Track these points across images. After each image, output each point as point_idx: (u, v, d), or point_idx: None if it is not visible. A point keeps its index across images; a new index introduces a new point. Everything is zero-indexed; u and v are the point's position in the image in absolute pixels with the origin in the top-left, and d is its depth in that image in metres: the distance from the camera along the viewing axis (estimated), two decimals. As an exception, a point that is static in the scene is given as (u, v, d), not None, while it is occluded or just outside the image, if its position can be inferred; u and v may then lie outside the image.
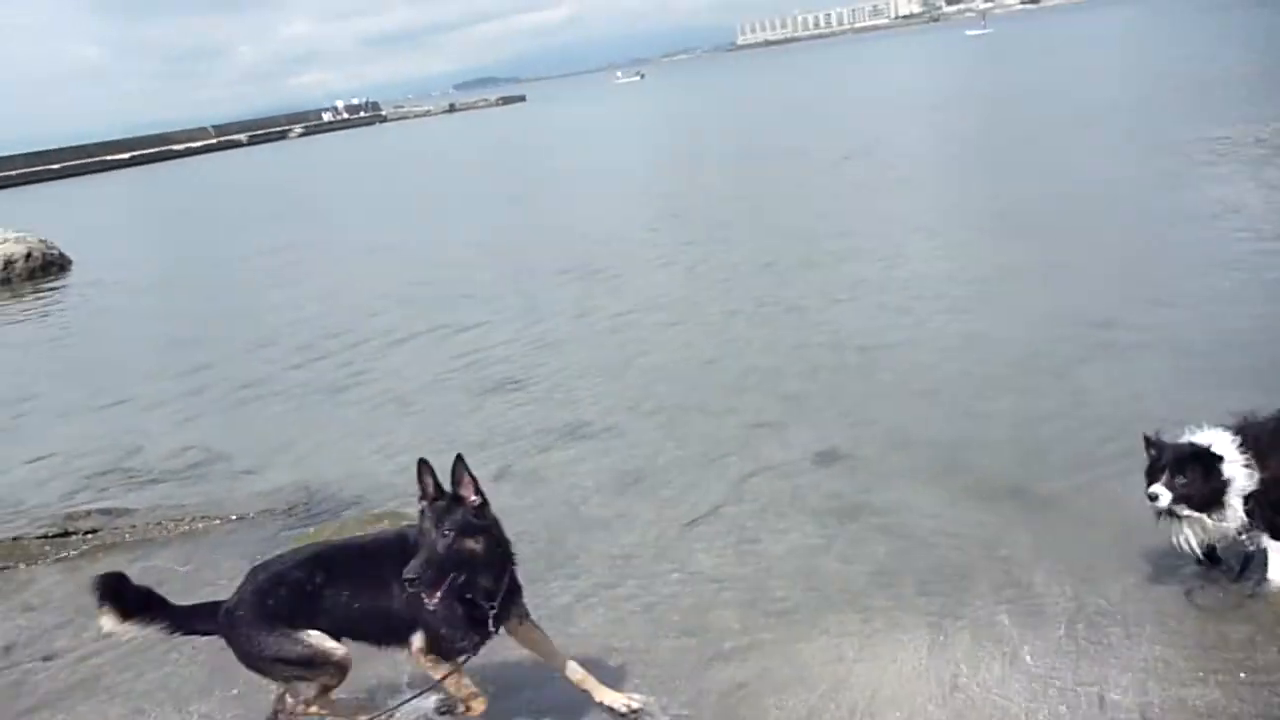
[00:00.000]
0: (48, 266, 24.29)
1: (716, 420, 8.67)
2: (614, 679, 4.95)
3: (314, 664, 4.41)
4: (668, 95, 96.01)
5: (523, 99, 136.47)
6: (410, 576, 3.94)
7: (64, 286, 22.65)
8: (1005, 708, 4.44)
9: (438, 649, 4.41)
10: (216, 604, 4.50)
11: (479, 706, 4.52)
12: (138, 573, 6.86)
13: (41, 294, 21.98)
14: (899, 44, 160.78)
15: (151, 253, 30.35)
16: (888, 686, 4.71)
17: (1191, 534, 4.94)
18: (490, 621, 4.34)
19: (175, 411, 11.33)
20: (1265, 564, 5.05)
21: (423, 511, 4.16)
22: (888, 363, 9.58)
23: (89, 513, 8.18)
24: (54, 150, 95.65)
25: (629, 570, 6.18)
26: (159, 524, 7.88)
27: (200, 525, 7.80)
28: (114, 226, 38.60)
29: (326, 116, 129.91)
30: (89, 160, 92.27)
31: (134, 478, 9.26)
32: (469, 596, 4.24)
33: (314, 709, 4.63)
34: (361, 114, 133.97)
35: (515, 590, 4.50)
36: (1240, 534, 4.96)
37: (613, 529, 6.81)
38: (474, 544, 4.14)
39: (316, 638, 4.40)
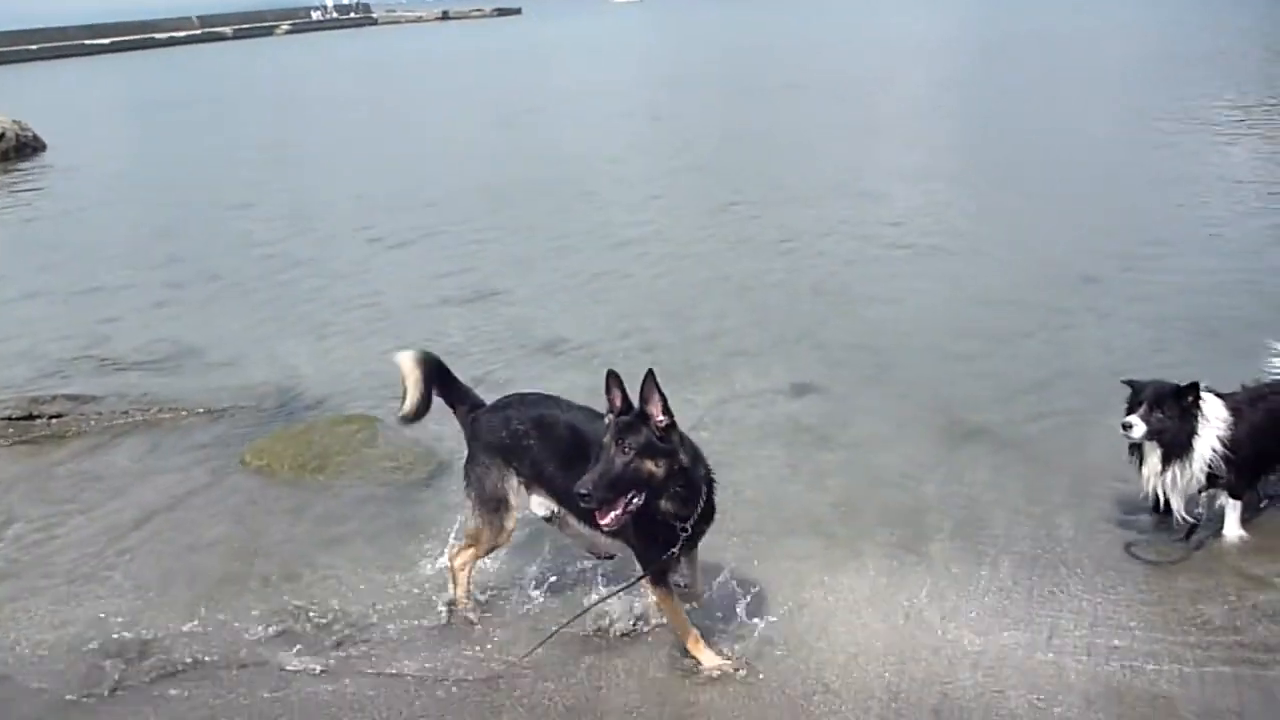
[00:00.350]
0: (21, 148, 23.65)
1: (694, 346, 8.66)
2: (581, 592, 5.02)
3: (493, 511, 4.64)
4: (669, 19, 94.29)
5: (519, 11, 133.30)
6: (583, 492, 3.82)
7: (38, 170, 22.11)
8: (956, 639, 4.52)
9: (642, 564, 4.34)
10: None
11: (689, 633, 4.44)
12: (101, 465, 6.96)
13: (14, 175, 21.48)
14: None
15: (130, 141, 29.67)
16: (843, 612, 4.78)
17: (1159, 476, 5.01)
18: (678, 545, 4.18)
19: (148, 302, 11.16)
20: (1218, 524, 5.18)
21: (607, 425, 3.99)
22: (867, 301, 9.59)
23: (55, 397, 8.08)
24: (32, 30, 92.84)
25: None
26: (125, 413, 7.81)
27: (167, 416, 7.75)
28: (92, 112, 37.65)
29: (315, 15, 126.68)
30: (68, 43, 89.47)
31: (103, 365, 9.13)
32: (659, 518, 4.09)
33: (460, 559, 4.82)
34: (352, 15, 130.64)
35: (709, 514, 4.29)
36: (1204, 489, 5.07)
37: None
38: (654, 466, 3.94)
39: (513, 491, 4.64)
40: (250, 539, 5.83)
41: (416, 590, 5.14)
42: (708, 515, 4.28)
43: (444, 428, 7.04)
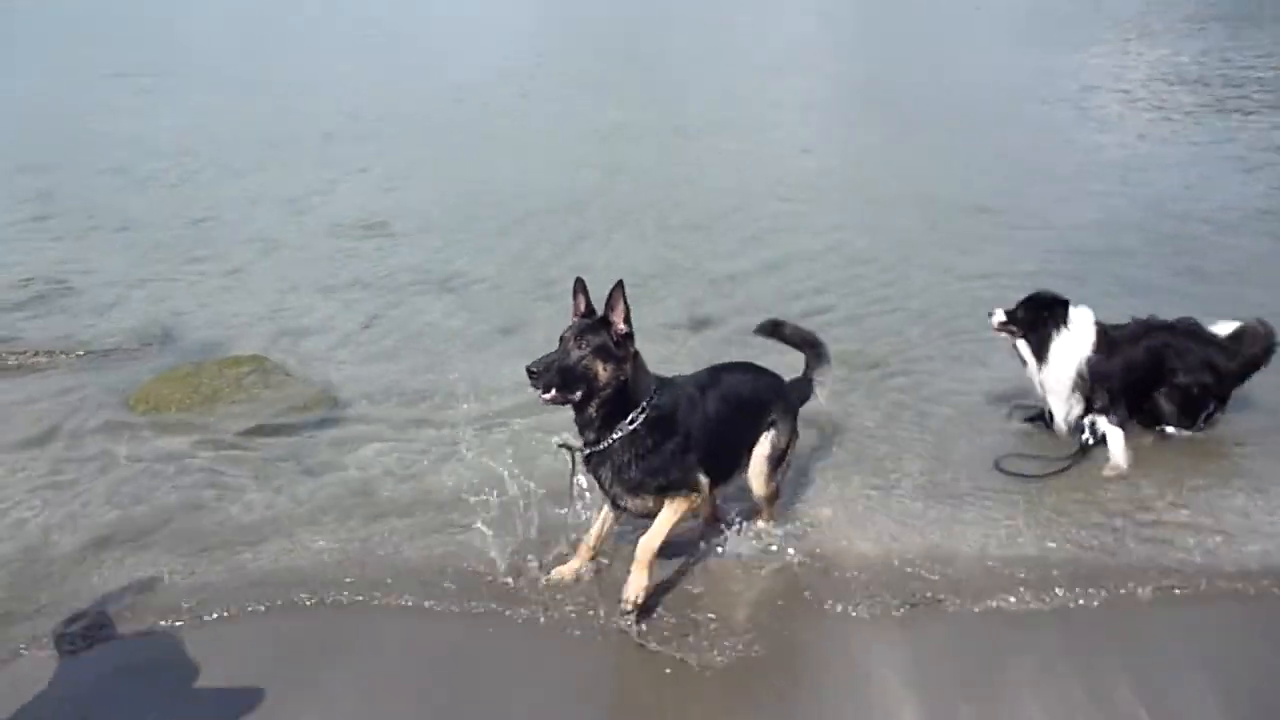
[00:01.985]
0: None
1: (592, 279, 8.61)
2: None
3: None
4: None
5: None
6: (533, 369, 4.01)
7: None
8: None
9: None
10: None
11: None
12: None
13: None
14: None
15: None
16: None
17: (1033, 377, 5.50)
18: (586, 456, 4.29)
19: (16, 238, 10.57)
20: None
21: (571, 324, 4.17)
22: (760, 234, 9.69)
23: (-83, 341, 7.61)
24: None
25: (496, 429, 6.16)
26: (-6, 357, 7.40)
27: (43, 359, 7.38)
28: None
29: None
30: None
31: (-36, 306, 8.62)
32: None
33: None
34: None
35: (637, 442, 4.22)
36: (1078, 409, 5.46)
37: (479, 387, 6.70)
38: (603, 368, 4.08)
39: None
40: (143, 492, 5.59)
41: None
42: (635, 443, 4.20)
43: (343, 371, 6.96)
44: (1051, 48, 18.94)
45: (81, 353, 7.45)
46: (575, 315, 4.22)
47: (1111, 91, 14.76)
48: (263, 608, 4.45)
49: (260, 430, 6.21)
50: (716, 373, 4.68)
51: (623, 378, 4.15)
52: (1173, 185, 10.22)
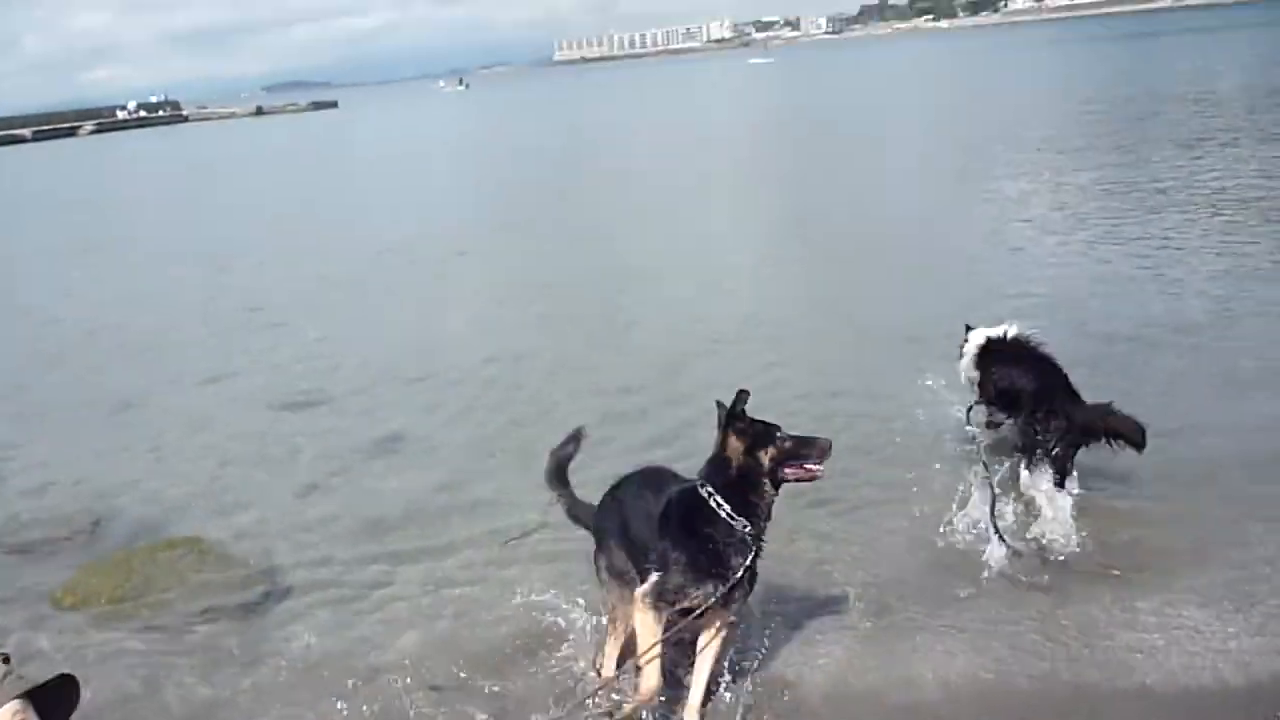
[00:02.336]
0: None
1: (529, 436, 8.58)
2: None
3: None
4: (495, 106, 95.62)
5: (335, 105, 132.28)
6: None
7: None
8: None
9: None
10: None
11: None
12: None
13: None
14: (699, 67, 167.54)
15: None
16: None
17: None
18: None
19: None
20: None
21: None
22: (701, 382, 9.75)
23: None
24: None
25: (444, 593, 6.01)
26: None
27: (-37, 555, 7.05)
28: None
29: (121, 114, 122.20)
30: None
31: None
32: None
33: None
34: (160, 113, 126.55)
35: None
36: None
37: (430, 551, 6.59)
38: None
39: None
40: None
41: None
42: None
43: (282, 546, 6.76)
44: (972, 176, 19.80)
45: (4, 552, 7.15)
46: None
47: (1029, 219, 15.40)
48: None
49: (197, 615, 5.93)
50: None
51: None
52: (1094, 306, 10.56)
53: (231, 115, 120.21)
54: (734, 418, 4.19)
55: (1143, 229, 13.69)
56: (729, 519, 4.11)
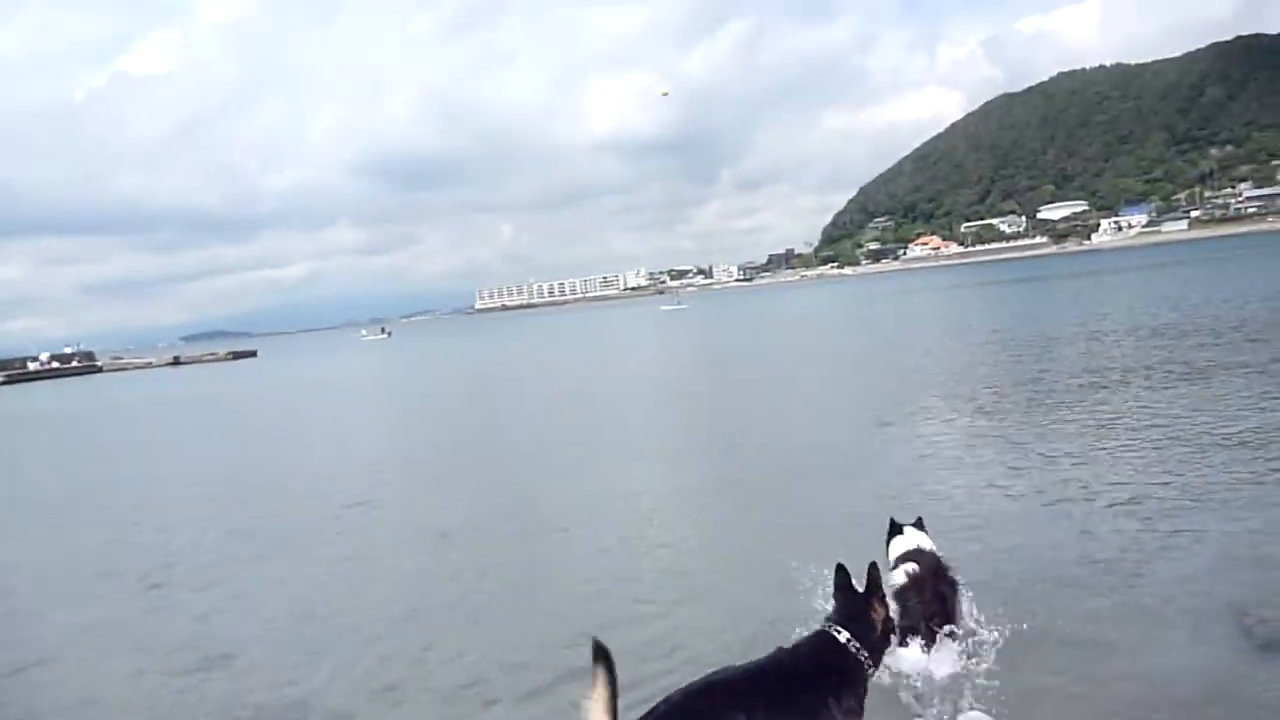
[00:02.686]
0: None
1: (438, 693, 8.20)
2: None
3: None
4: (415, 352, 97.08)
5: (254, 354, 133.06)
6: None
7: None
8: None
9: None
10: None
11: None
12: None
13: None
14: (615, 314, 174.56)
15: None
16: None
17: None
18: None
19: None
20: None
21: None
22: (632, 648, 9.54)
23: None
24: None
25: None
26: None
27: None
28: None
29: (33, 365, 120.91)
30: None
31: None
32: None
33: None
34: (74, 363, 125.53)
35: None
36: None
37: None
38: None
39: None
40: None
41: None
42: None
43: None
44: (875, 415, 20.44)
45: None
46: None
47: (938, 456, 15.85)
48: None
49: None
50: None
51: None
52: (1009, 543, 10.72)
53: (148, 365, 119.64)
54: None
55: (1045, 466, 14.20)
56: None
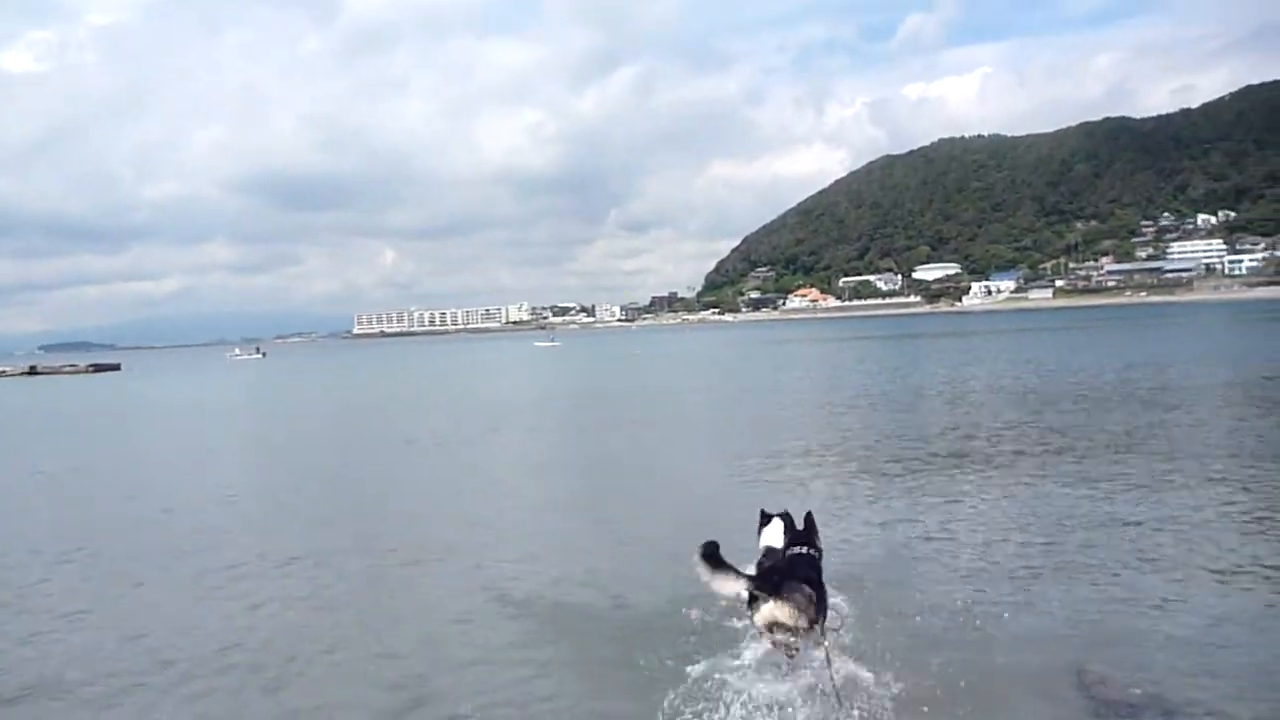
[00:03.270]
0: None
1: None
2: None
3: None
4: (288, 374, 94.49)
5: (117, 367, 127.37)
6: None
7: None
8: None
9: None
10: None
11: None
12: None
13: None
14: (489, 346, 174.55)
15: None
16: None
17: None
18: None
19: None
20: None
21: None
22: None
23: None
24: None
25: None
26: None
27: None
28: None
29: None
30: None
31: None
32: None
33: None
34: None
35: None
36: None
37: None
38: None
39: None
40: None
41: None
42: None
43: None
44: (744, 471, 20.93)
45: None
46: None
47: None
48: None
49: None
50: None
51: None
52: (867, 597, 11.22)
53: (1, 374, 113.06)
54: None
55: (904, 520, 14.87)
56: None
